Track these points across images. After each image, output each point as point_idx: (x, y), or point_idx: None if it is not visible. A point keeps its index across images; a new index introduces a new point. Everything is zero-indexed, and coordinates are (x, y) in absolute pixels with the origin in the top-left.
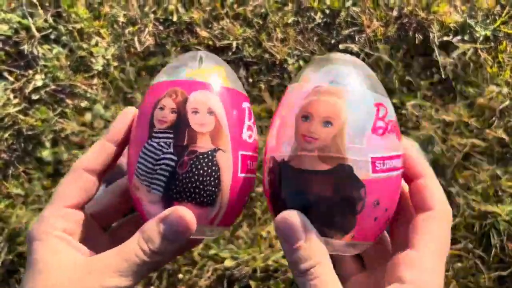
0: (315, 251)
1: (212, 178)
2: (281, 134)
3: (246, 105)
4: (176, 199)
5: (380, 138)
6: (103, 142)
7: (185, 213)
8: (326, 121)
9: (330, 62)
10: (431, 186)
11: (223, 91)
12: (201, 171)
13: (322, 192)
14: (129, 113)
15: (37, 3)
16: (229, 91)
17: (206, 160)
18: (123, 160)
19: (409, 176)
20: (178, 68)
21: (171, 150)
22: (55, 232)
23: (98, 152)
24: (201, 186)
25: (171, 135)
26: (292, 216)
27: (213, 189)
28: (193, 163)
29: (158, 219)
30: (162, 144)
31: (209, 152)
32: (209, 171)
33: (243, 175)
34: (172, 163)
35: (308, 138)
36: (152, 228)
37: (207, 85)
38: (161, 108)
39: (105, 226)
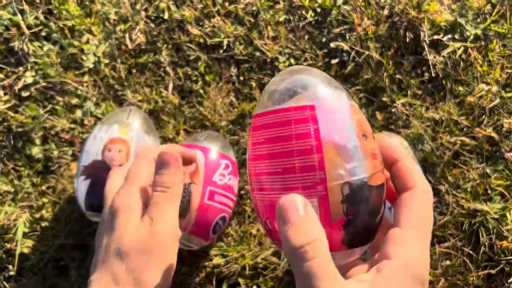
0: (313, 228)
1: (185, 199)
2: (348, 159)
3: (223, 161)
4: None
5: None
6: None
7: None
8: (366, 135)
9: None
10: (410, 167)
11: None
12: (182, 194)
13: (382, 202)
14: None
15: (27, 0)
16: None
17: (185, 188)
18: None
19: (388, 163)
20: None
21: None
22: (134, 206)
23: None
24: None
25: None
26: (294, 196)
27: (185, 206)
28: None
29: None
30: None
31: (187, 184)
32: (184, 194)
33: (209, 202)
34: None
35: (375, 156)
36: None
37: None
38: None
39: None
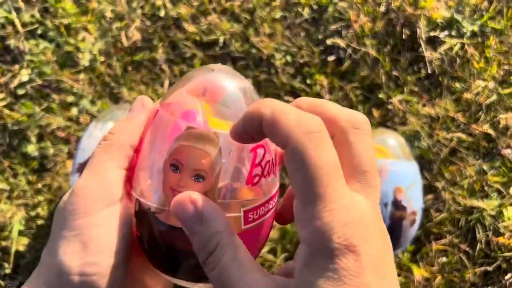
0: (211, 234)
1: None
2: (147, 177)
3: None
4: None
5: (255, 187)
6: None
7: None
8: (197, 175)
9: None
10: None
11: None
12: None
13: (192, 249)
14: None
15: None
16: None
17: None
18: None
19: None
20: None
21: None
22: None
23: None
24: None
25: None
26: (185, 201)
27: None
28: None
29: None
30: None
31: None
32: None
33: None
34: None
35: (177, 193)
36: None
37: None
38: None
39: None
